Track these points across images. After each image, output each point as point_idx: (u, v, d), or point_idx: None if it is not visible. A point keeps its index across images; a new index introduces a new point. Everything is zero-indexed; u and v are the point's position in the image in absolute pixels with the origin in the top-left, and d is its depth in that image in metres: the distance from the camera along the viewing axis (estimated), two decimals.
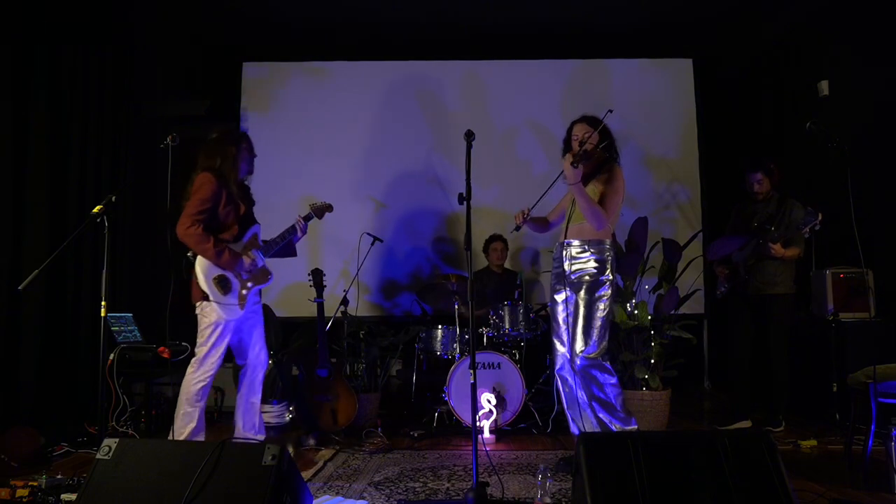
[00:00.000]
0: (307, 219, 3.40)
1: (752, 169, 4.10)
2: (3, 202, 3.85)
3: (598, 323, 3.03)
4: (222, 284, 3.07)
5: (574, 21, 5.43)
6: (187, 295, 3.15)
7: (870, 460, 2.83)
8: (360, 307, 4.54)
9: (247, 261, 3.14)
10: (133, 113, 4.93)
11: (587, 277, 3.06)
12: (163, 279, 3.44)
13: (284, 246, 3.34)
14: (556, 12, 5.29)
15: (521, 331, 4.27)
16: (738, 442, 2.08)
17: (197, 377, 3.07)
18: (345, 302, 4.34)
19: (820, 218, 3.59)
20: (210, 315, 3.07)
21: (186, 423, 3.04)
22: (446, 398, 3.98)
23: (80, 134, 4.34)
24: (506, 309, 4.31)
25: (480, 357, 4.00)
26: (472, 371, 2.55)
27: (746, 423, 4.01)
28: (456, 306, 4.37)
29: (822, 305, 4.21)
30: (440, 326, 4.46)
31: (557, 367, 3.19)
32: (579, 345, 3.02)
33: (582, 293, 3.06)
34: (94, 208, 2.87)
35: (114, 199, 2.90)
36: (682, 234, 5.14)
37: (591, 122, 3.15)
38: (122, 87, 4.77)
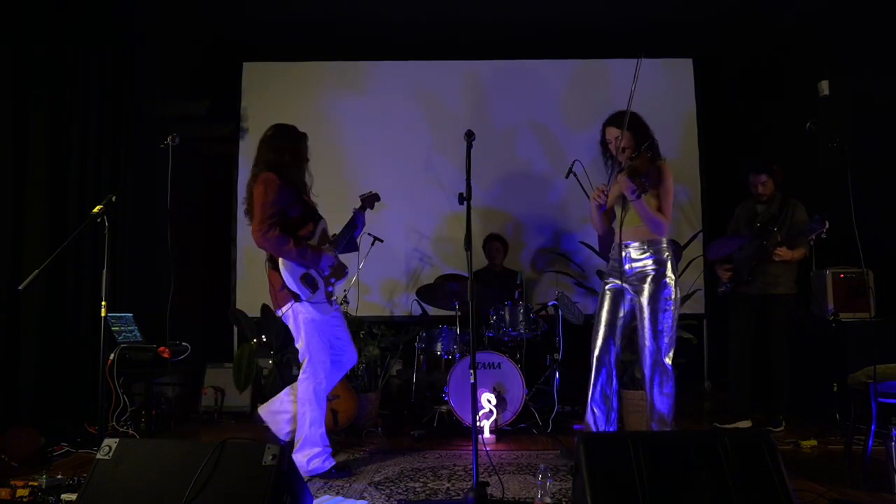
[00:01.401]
0: (362, 209, 3.35)
1: (756, 171, 4.10)
2: (3, 202, 3.85)
3: (666, 326, 3.01)
4: (309, 283, 2.99)
5: (574, 21, 5.42)
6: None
7: (870, 460, 2.84)
8: (360, 307, 4.54)
9: (330, 254, 3.06)
10: (133, 113, 4.92)
11: (649, 278, 3.05)
12: (163, 279, 3.44)
13: (350, 240, 3.28)
14: (556, 12, 5.29)
15: (522, 331, 4.27)
16: (738, 442, 2.08)
17: (314, 380, 3.02)
18: (345, 302, 4.34)
19: (826, 226, 3.58)
20: (304, 316, 2.99)
21: (314, 425, 3.01)
22: (446, 398, 3.98)
23: (80, 134, 4.34)
24: (506, 309, 4.31)
25: (480, 357, 4.00)
26: (472, 371, 2.55)
27: (746, 423, 4.01)
28: (456, 306, 4.37)
29: (823, 305, 4.21)
30: (440, 326, 4.46)
31: (594, 357, 3.15)
32: (649, 351, 3.01)
33: (645, 295, 3.05)
34: (94, 208, 2.87)
35: (114, 199, 2.89)
36: (682, 234, 5.14)
37: (620, 122, 3.12)
38: (122, 87, 4.76)
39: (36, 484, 2.63)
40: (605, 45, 5.68)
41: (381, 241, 4.64)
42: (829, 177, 3.85)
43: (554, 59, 5.73)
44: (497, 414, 3.88)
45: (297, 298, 2.97)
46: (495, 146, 5.51)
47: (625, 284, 3.11)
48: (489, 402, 3.87)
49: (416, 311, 5.05)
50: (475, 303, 2.67)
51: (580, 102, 5.46)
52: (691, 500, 1.98)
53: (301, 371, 3.07)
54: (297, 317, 3.01)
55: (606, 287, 3.21)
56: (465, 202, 2.66)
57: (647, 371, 3.04)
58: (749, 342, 4.10)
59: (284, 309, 3.02)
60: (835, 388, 3.85)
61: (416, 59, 5.74)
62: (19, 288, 2.77)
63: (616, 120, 3.16)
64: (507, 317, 4.29)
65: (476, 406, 2.63)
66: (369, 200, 3.44)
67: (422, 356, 4.58)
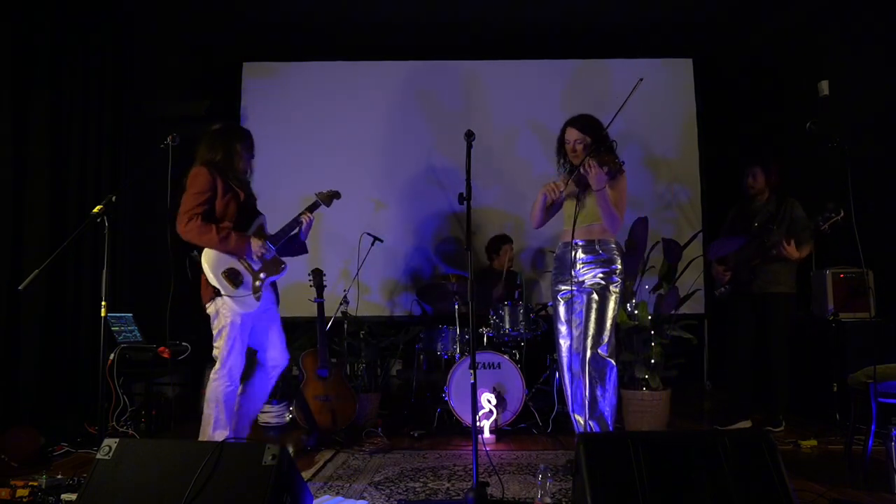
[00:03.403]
0: (312, 208, 3.25)
1: (752, 162, 4.11)
2: (3, 202, 3.85)
3: (609, 323, 3.05)
4: (233, 277, 2.95)
5: (574, 21, 5.43)
6: (197, 297, 3.06)
7: (870, 460, 2.83)
8: (360, 307, 4.54)
9: (255, 244, 3.00)
10: (133, 113, 4.93)
11: (599, 277, 3.09)
12: (163, 279, 3.43)
13: (291, 241, 3.19)
14: (556, 12, 5.29)
15: (522, 331, 4.27)
16: (738, 442, 2.08)
17: (224, 381, 2.95)
18: (345, 302, 4.34)
19: (842, 214, 3.55)
20: (224, 312, 2.93)
21: (216, 427, 2.93)
22: (446, 398, 3.98)
23: (80, 134, 4.34)
24: (506, 309, 4.31)
25: (480, 357, 4.00)
26: (472, 371, 2.55)
27: (746, 423, 4.01)
28: (456, 306, 4.37)
29: (822, 305, 4.21)
30: (440, 326, 4.46)
31: (566, 368, 3.18)
32: (591, 341, 3.03)
33: (593, 293, 3.08)
34: (94, 208, 2.86)
35: (114, 199, 2.89)
36: (682, 234, 5.14)
37: (585, 127, 3.13)
38: (122, 87, 4.77)
39: (36, 484, 2.63)
40: (605, 45, 5.69)
41: (381, 240, 4.64)
42: (829, 177, 3.85)
43: (554, 59, 5.73)
44: (497, 414, 3.88)
45: (217, 293, 2.93)
46: (495, 146, 5.51)
47: (574, 287, 3.13)
48: (489, 402, 3.87)
49: (416, 311, 5.05)
50: (475, 303, 2.67)
51: (580, 102, 5.41)
52: (691, 500, 1.98)
53: (213, 370, 2.98)
54: (217, 312, 2.96)
55: (558, 296, 3.22)
56: (465, 202, 2.66)
57: (587, 360, 3.03)
58: (749, 342, 4.10)
59: (209, 305, 2.98)
60: (835, 388, 3.84)
61: (416, 59, 5.74)
62: (19, 288, 2.77)
63: (578, 122, 3.16)
64: (507, 317, 4.29)
65: (476, 406, 2.63)
66: (327, 198, 3.35)
67: (422, 356, 4.58)
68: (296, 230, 3.18)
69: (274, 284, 3.22)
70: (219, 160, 3.02)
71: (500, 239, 5.09)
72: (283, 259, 3.22)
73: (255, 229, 3.12)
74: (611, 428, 3.07)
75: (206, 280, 2.96)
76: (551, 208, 3.24)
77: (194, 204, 2.92)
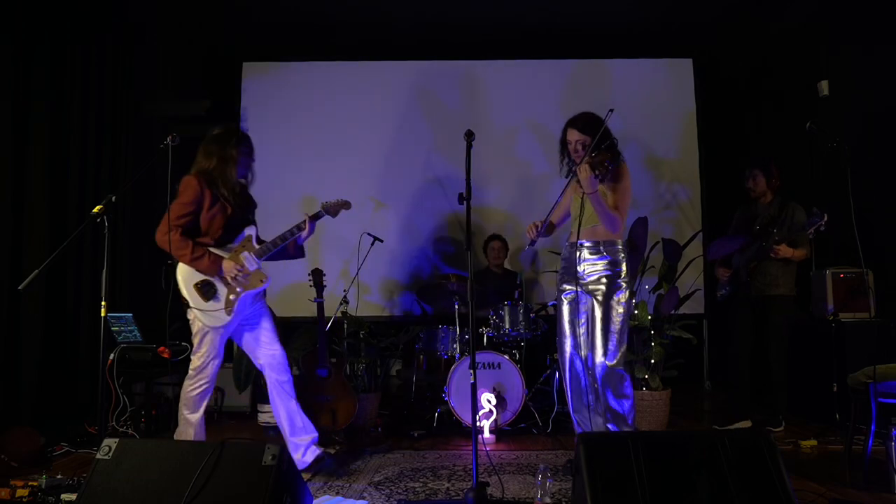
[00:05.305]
0: (315, 218, 3.18)
1: (753, 164, 4.12)
2: (3, 202, 3.85)
3: (616, 328, 2.99)
4: (204, 291, 2.94)
5: (574, 21, 5.43)
6: (179, 303, 3.05)
7: (870, 460, 2.83)
8: (360, 307, 4.54)
9: (228, 265, 2.93)
10: (133, 113, 4.93)
11: (603, 280, 3.03)
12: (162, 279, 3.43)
13: (284, 249, 3.14)
14: (556, 12, 5.29)
15: (521, 331, 4.27)
16: (738, 442, 2.08)
17: (193, 384, 2.96)
18: (345, 302, 4.34)
19: (825, 219, 3.58)
20: (196, 322, 2.97)
21: (185, 429, 2.95)
22: (446, 398, 3.98)
23: (80, 134, 4.34)
24: (506, 309, 4.31)
25: (480, 357, 4.00)
26: (472, 371, 2.55)
27: (746, 423, 4.01)
28: (456, 306, 4.37)
29: (822, 305, 4.21)
30: (440, 326, 4.46)
31: (567, 367, 3.17)
32: (599, 353, 2.98)
33: (598, 297, 3.02)
34: (94, 208, 2.86)
35: (114, 199, 2.88)
36: (682, 234, 5.14)
37: (585, 127, 3.11)
38: (122, 87, 4.77)
39: (36, 484, 2.63)
40: (605, 45, 5.69)
41: (381, 241, 4.64)
42: (829, 177, 3.85)
43: (553, 59, 5.73)
44: (497, 414, 3.88)
45: (186, 304, 2.93)
46: (495, 146, 5.51)
47: (578, 288, 3.10)
48: (489, 402, 3.87)
49: (416, 311, 5.05)
50: (475, 303, 2.67)
51: (580, 102, 5.40)
52: (691, 501, 1.98)
53: (188, 372, 2.98)
54: (191, 321, 2.98)
55: (562, 295, 3.19)
56: (465, 202, 2.66)
57: (597, 373, 2.99)
58: (749, 343, 4.10)
59: (187, 312, 2.99)
60: (835, 388, 3.84)
61: (416, 59, 5.74)
62: (19, 288, 2.77)
63: (578, 123, 3.14)
64: (507, 317, 4.29)
65: (476, 406, 2.63)
66: (334, 209, 3.24)
67: (422, 356, 4.58)
68: (290, 240, 3.13)
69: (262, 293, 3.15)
70: (212, 168, 2.97)
71: (489, 237, 5.12)
72: (286, 260, 3.23)
73: (242, 242, 3.05)
74: (631, 427, 3.02)
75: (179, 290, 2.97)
76: (547, 233, 3.21)
77: (177, 215, 2.91)
